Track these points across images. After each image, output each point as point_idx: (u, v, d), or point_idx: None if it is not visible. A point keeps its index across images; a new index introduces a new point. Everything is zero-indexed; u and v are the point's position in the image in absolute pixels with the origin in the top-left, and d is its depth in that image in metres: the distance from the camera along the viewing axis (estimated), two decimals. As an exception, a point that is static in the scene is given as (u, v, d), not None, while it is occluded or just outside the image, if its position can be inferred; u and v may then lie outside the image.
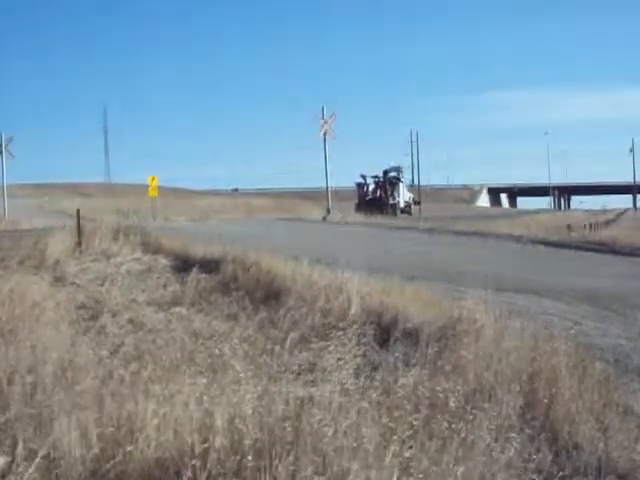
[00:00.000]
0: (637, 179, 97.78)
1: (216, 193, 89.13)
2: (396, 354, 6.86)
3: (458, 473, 4.55)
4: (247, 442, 4.50)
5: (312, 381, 6.39)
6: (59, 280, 12.74)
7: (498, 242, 23.77)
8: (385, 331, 8.14)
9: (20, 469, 4.25)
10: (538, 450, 5.16)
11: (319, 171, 49.48)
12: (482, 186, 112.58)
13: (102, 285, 12.32)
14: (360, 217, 40.86)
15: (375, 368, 6.81)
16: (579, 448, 5.48)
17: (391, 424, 4.91)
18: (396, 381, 5.97)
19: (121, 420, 4.75)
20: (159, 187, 42.79)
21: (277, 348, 7.22)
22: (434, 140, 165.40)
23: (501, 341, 7.17)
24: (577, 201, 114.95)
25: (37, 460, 4.30)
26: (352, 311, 8.96)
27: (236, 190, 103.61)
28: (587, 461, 5.28)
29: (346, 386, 5.63)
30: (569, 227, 32.91)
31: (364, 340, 7.59)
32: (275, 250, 13.10)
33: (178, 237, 17.01)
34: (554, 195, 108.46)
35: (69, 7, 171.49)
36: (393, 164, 62.26)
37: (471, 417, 5.24)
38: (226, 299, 10.50)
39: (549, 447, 5.38)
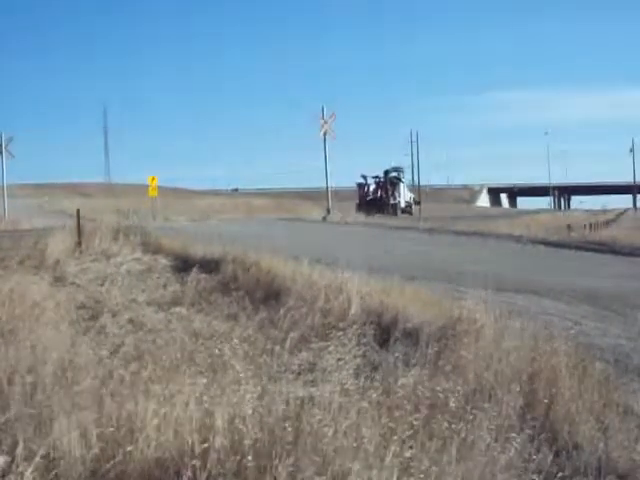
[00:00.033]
0: (637, 179, 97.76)
1: (216, 193, 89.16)
2: (396, 354, 6.86)
3: (458, 473, 4.55)
4: (247, 442, 4.49)
5: (312, 381, 6.39)
6: (59, 280, 12.74)
7: (498, 242, 23.78)
8: (385, 331, 8.14)
9: (20, 469, 4.24)
10: (538, 450, 5.16)
11: (319, 171, 49.49)
12: (482, 186, 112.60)
13: (102, 285, 12.32)
14: (360, 217, 40.90)
15: (375, 368, 6.81)
16: (579, 448, 5.48)
17: (391, 424, 4.90)
18: (396, 381, 5.96)
19: (121, 420, 4.75)
20: (159, 187, 42.80)
21: (277, 348, 7.22)
22: (434, 140, 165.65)
23: (501, 341, 7.17)
24: (577, 201, 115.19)
25: (37, 460, 4.30)
26: (352, 311, 8.96)
27: (236, 190, 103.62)
28: (587, 461, 5.28)
29: (346, 386, 5.63)
30: (569, 227, 32.92)
31: (364, 340, 7.58)
32: (275, 250, 13.10)
33: (178, 237, 17.01)
34: (554, 195, 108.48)
35: (69, 7, 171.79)
36: (394, 164, 62.45)
37: (471, 417, 5.23)
38: (226, 299, 10.50)
39: (549, 447, 5.38)
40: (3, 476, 4.25)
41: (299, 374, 6.80)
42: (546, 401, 6.00)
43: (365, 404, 5.19)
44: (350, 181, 64.88)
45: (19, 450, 4.41)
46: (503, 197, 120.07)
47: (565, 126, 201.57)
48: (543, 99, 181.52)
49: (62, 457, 4.47)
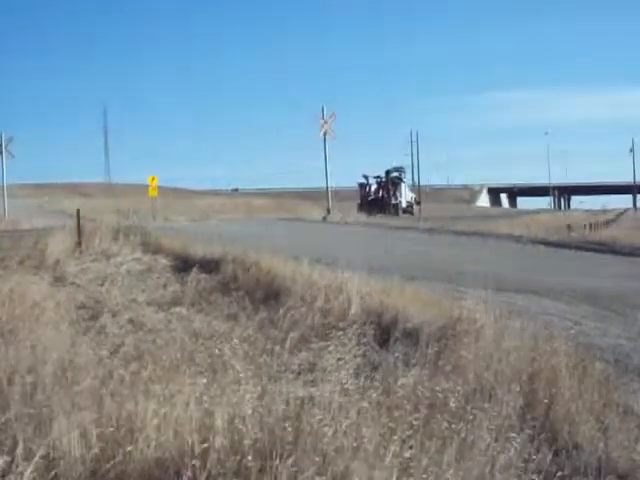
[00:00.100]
0: (637, 179, 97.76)
1: (216, 193, 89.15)
2: (396, 354, 6.86)
3: (458, 473, 4.55)
4: (247, 442, 4.49)
5: (312, 381, 6.39)
6: (59, 280, 12.74)
7: (498, 242, 23.78)
8: (385, 331, 8.14)
9: (19, 469, 4.24)
10: (538, 450, 5.15)
11: (319, 171, 49.56)
12: (482, 186, 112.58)
13: (102, 285, 12.32)
14: (360, 217, 40.89)
15: (375, 368, 6.81)
16: (579, 448, 5.48)
17: (391, 424, 4.90)
18: (396, 381, 5.96)
19: (121, 420, 4.75)
20: (159, 187, 42.80)
21: (277, 348, 7.22)
22: (434, 140, 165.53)
23: (501, 341, 7.17)
24: (577, 201, 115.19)
25: (36, 460, 4.29)
26: (352, 311, 8.96)
27: (236, 190, 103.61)
28: (587, 461, 5.28)
29: (346, 386, 5.63)
30: (569, 227, 32.92)
31: (364, 340, 7.58)
32: (275, 250, 13.10)
33: (178, 237, 17.01)
34: (554, 195, 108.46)
35: (69, 7, 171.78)
36: (395, 164, 62.49)
37: (471, 417, 5.23)
38: (226, 299, 10.50)
39: (549, 447, 5.37)
40: (3, 476, 4.24)
41: (299, 374, 6.79)
42: (546, 401, 6.00)
43: (365, 404, 5.19)
44: (350, 181, 65.02)
45: (19, 450, 4.41)
46: (503, 197, 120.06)
47: (565, 126, 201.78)
48: (543, 99, 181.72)
49: (62, 457, 4.47)
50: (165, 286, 12.26)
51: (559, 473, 4.97)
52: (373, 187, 59.07)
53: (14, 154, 38.38)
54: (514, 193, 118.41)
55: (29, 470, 4.22)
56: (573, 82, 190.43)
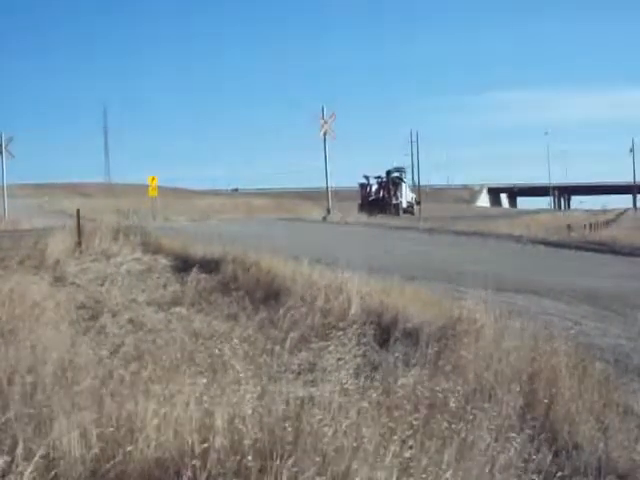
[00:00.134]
0: (637, 179, 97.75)
1: (216, 193, 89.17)
2: (396, 354, 6.86)
3: (458, 473, 4.55)
4: (247, 442, 4.49)
5: (312, 381, 6.39)
6: (59, 280, 12.74)
7: (498, 242, 23.78)
8: (385, 331, 8.14)
9: (19, 469, 4.24)
10: (538, 450, 5.15)
11: (319, 171, 49.61)
12: (482, 186, 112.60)
13: (102, 285, 12.32)
14: (360, 217, 40.90)
15: (375, 368, 6.81)
16: (579, 448, 5.48)
17: (391, 424, 4.90)
18: (396, 381, 5.96)
19: (121, 420, 4.75)
20: (159, 187, 42.81)
21: (277, 348, 7.21)
22: (434, 140, 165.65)
23: (501, 341, 7.17)
24: (577, 201, 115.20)
25: (36, 460, 4.29)
26: (352, 311, 8.96)
27: (236, 190, 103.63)
28: (587, 461, 5.28)
29: (346, 386, 5.62)
30: (569, 227, 32.92)
31: (364, 340, 7.58)
32: (275, 250, 13.10)
33: (178, 237, 17.01)
34: (554, 195, 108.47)
35: (69, 7, 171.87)
36: (396, 164, 62.54)
37: (471, 417, 5.23)
38: (226, 299, 10.50)
39: (549, 447, 5.37)
40: (3, 476, 4.24)
41: (299, 374, 6.79)
42: (546, 401, 6.00)
43: (365, 404, 5.19)
44: (350, 181, 65.10)
45: (19, 450, 4.41)
46: (503, 197, 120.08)
47: (565, 126, 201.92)
48: (543, 99, 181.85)
49: (62, 457, 4.47)
50: (165, 286, 12.26)
51: (559, 473, 4.97)
52: (374, 187, 59.10)
53: (14, 154, 38.48)
54: (514, 193, 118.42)
55: (29, 470, 4.22)
56: (573, 82, 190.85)
